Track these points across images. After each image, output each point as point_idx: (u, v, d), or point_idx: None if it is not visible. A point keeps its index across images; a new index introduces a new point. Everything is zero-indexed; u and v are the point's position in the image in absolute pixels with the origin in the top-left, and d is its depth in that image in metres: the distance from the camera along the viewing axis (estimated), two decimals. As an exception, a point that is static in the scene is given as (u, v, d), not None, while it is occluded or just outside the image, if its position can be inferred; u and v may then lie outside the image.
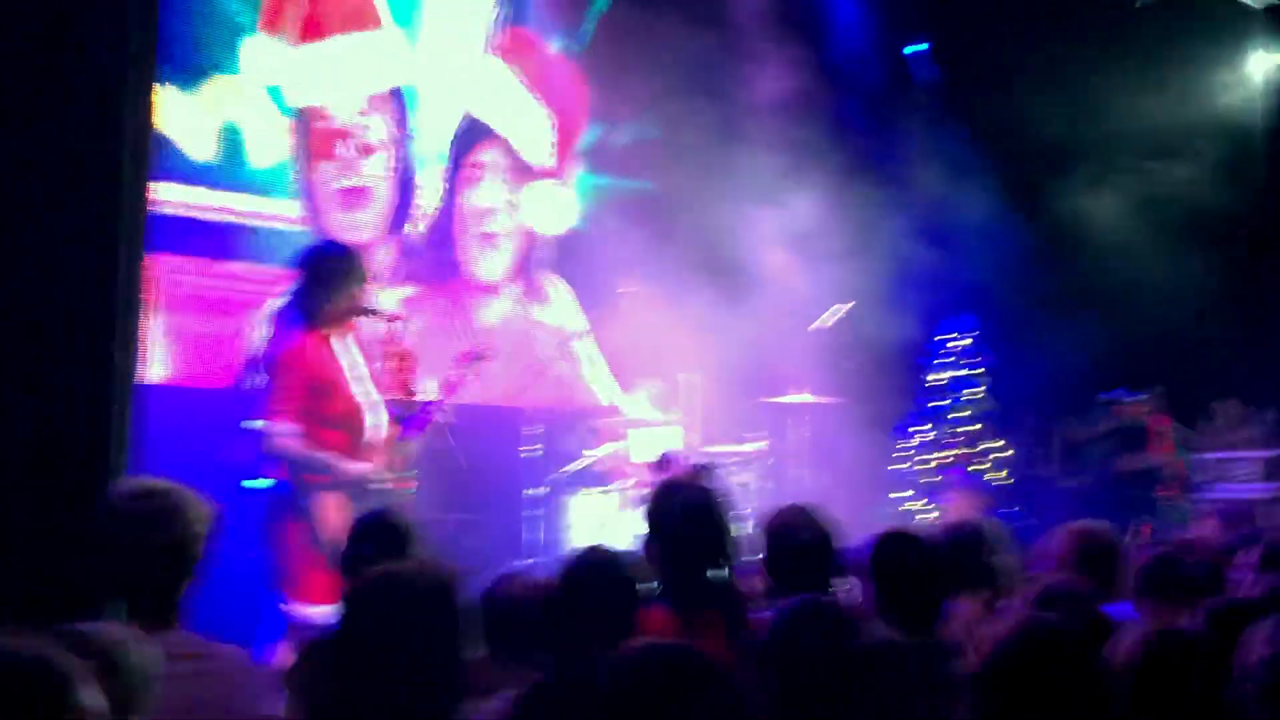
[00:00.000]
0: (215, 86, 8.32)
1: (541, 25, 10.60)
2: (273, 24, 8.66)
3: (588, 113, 10.82)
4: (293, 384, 5.66)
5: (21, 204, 4.42)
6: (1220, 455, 10.22)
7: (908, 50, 12.34)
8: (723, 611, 3.82)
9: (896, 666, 3.21)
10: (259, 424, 5.68)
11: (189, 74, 8.10)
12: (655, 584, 3.88)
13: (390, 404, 5.92)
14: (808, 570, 4.12)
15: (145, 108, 4.86)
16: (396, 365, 5.77)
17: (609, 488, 9.36)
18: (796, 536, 4.18)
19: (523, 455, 9.03)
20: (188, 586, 3.48)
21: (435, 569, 2.81)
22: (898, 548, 4.13)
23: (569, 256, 10.70)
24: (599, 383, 10.71)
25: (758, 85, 10.72)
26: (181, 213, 7.98)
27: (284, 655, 5.39)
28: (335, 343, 5.89)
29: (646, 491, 4.26)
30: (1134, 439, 11.12)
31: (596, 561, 3.56)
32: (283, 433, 5.63)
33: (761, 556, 4.29)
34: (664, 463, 8.79)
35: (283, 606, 5.64)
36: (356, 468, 5.75)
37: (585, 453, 9.26)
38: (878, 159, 11.38)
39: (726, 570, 3.92)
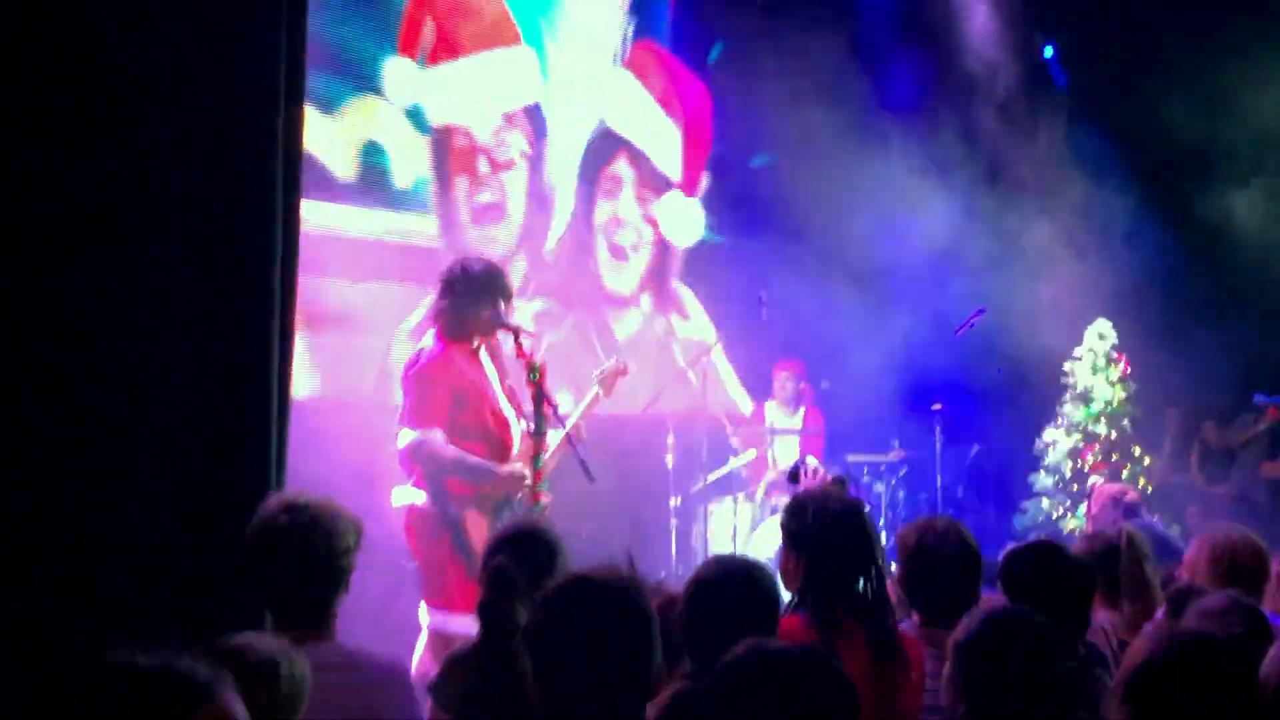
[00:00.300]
0: (356, 107, 8.49)
1: (671, 38, 10.67)
2: (410, 45, 8.82)
3: (714, 126, 10.85)
4: (438, 394, 5.77)
5: (182, 226, 4.56)
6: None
7: (1047, 53, 12.18)
8: (864, 622, 3.80)
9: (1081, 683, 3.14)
10: (409, 434, 5.78)
11: (331, 96, 8.28)
12: (793, 595, 3.90)
13: (524, 417, 6.00)
14: (947, 585, 4.09)
15: (296, 130, 4.99)
16: (530, 379, 5.83)
17: (749, 496, 9.39)
18: (939, 552, 4.11)
19: (664, 464, 9.07)
20: (339, 598, 3.59)
21: (622, 573, 2.80)
22: (1036, 559, 4.09)
23: (703, 267, 10.74)
24: (736, 391, 10.75)
25: (891, 93, 10.67)
26: (323, 231, 8.15)
27: (428, 664, 5.52)
28: (478, 356, 6.00)
29: (784, 501, 4.25)
30: (1282, 444, 10.84)
31: (731, 572, 3.55)
32: (435, 439, 5.74)
33: (897, 569, 4.27)
34: (796, 473, 8.79)
35: (429, 616, 5.76)
36: (509, 469, 5.85)
37: (729, 460, 9.29)
38: (1017, 164, 11.25)
39: (873, 580, 3.89)
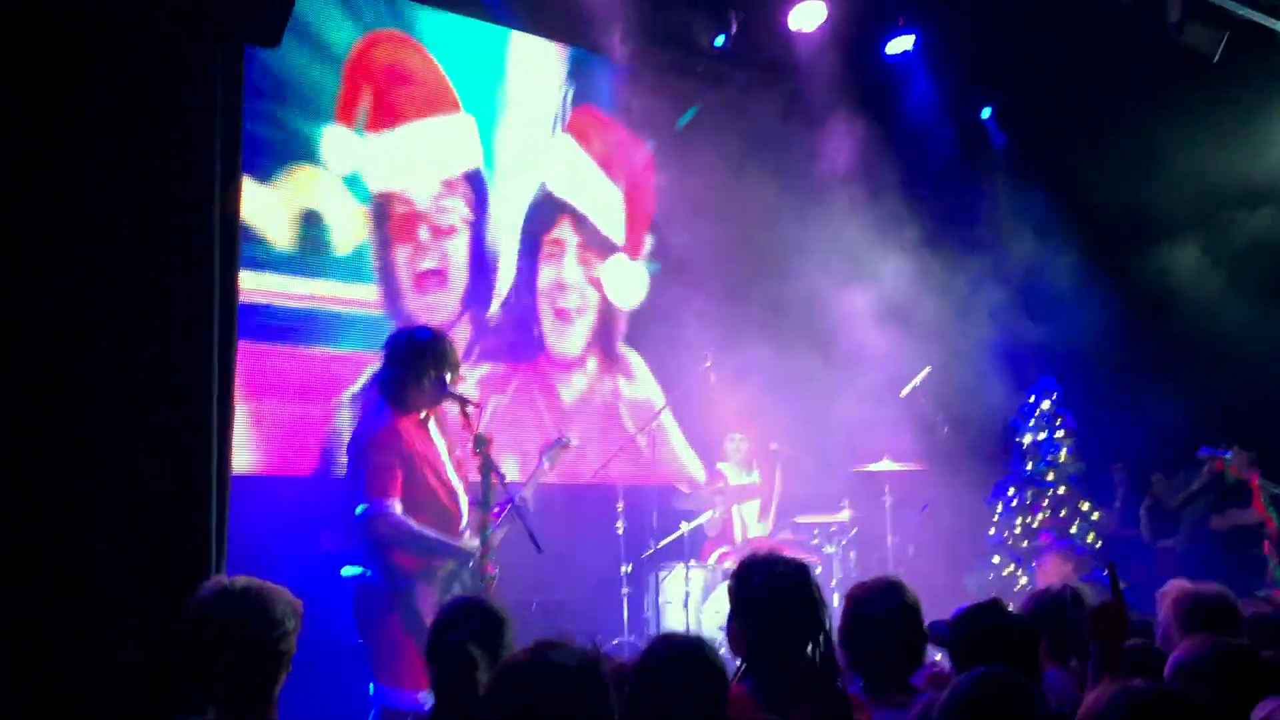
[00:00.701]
0: (295, 176, 8.46)
1: (612, 103, 10.71)
2: (348, 113, 8.81)
3: (655, 189, 10.89)
4: (389, 464, 5.68)
5: (119, 298, 4.52)
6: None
7: (985, 114, 12.32)
8: (812, 689, 3.74)
9: None
10: (367, 507, 5.66)
11: (269, 166, 8.24)
12: (741, 663, 3.84)
13: (471, 489, 5.93)
14: (886, 647, 4.05)
15: (233, 200, 4.96)
16: (477, 450, 5.76)
17: (702, 562, 9.33)
18: (876, 614, 4.08)
19: (614, 531, 9.00)
20: (280, 680, 3.51)
21: (585, 650, 2.77)
22: (980, 621, 4.07)
23: (647, 331, 10.74)
24: (686, 454, 10.72)
25: (833, 155, 10.74)
26: (264, 301, 8.09)
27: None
28: (426, 426, 5.94)
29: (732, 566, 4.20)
30: (1230, 496, 10.90)
31: (676, 648, 3.48)
32: (395, 511, 5.64)
33: (839, 630, 4.22)
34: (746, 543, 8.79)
35: (378, 692, 5.65)
36: (467, 544, 5.77)
37: (681, 525, 9.23)
38: (957, 226, 11.34)
39: (821, 646, 3.83)
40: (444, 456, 5.95)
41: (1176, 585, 5.01)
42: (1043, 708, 2.95)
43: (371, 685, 5.70)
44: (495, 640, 3.76)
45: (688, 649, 3.43)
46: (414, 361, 5.84)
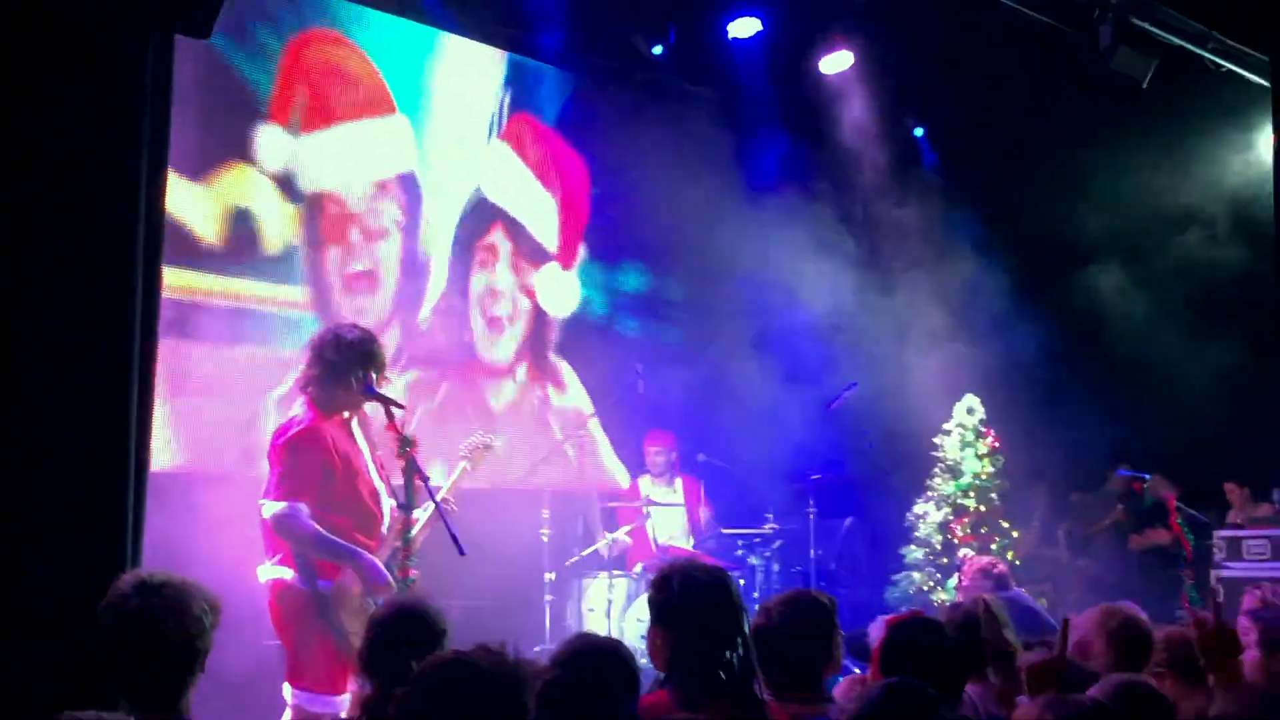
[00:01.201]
0: (226, 174, 8.38)
1: (549, 112, 10.72)
2: (282, 111, 8.74)
3: (590, 198, 10.90)
4: (308, 465, 5.61)
5: (37, 291, 4.46)
6: (1230, 533, 10.14)
7: (918, 133, 12.44)
8: (731, 696, 3.75)
9: None
10: (273, 506, 5.60)
11: (200, 162, 8.15)
12: (659, 671, 3.84)
13: (394, 491, 5.88)
14: (794, 656, 4.05)
15: (158, 196, 4.91)
16: (402, 452, 5.72)
17: (626, 571, 9.33)
18: (790, 618, 4.10)
19: (538, 538, 8.98)
20: (195, 679, 3.47)
21: (503, 656, 2.69)
22: (916, 635, 4.09)
23: (580, 340, 10.74)
24: (613, 464, 10.72)
25: (766, 171, 10.81)
26: (189, 298, 8.01)
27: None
28: (349, 427, 5.88)
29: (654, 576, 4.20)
30: (1148, 517, 11.06)
31: (591, 648, 3.49)
32: (300, 514, 5.58)
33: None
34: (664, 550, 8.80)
35: (293, 695, 5.59)
36: (370, 559, 5.70)
37: (604, 536, 9.23)
38: (889, 243, 11.45)
39: (740, 652, 3.84)
40: (366, 457, 5.90)
41: (1104, 606, 5.07)
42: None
43: (286, 687, 5.63)
44: (435, 649, 3.71)
45: (602, 647, 3.45)
46: (340, 362, 5.77)
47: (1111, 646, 4.68)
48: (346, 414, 5.88)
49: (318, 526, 5.58)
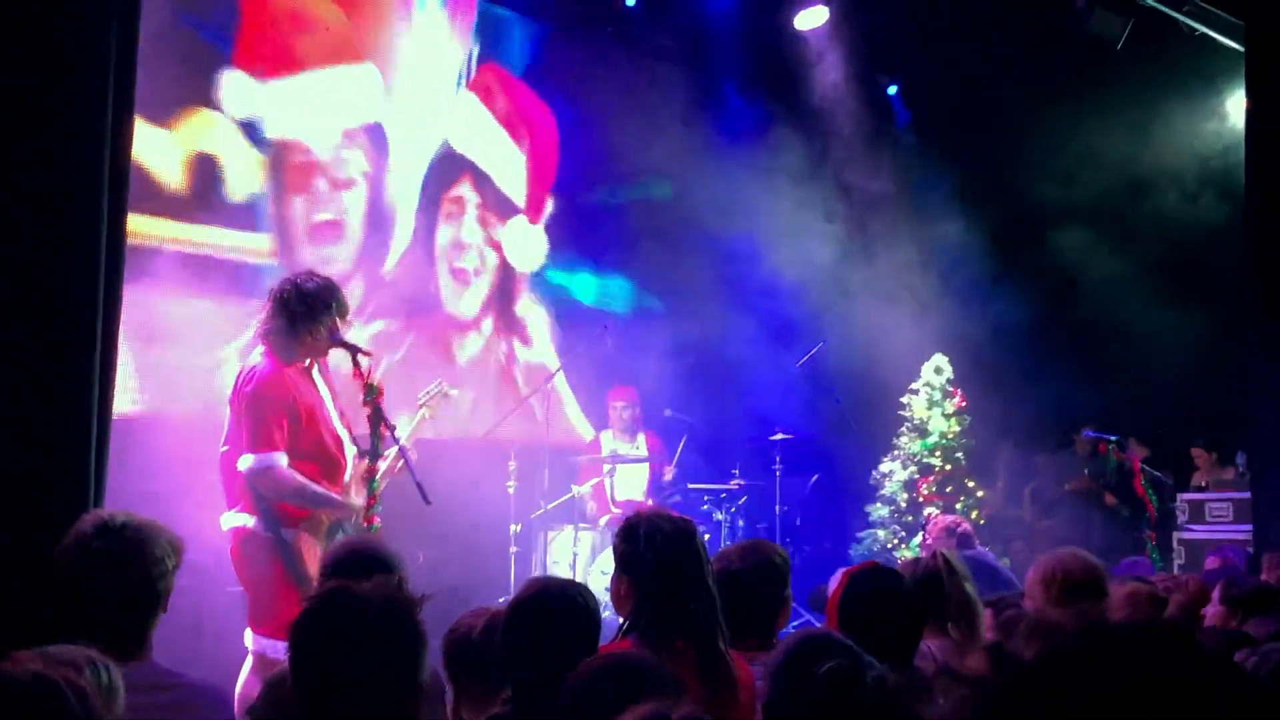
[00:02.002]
0: (190, 119, 8.28)
1: (518, 63, 10.63)
2: (248, 58, 8.63)
3: (559, 152, 10.83)
4: (276, 415, 5.56)
5: (2, 235, 4.39)
6: (1193, 496, 10.22)
7: (891, 91, 12.41)
8: (695, 644, 3.76)
9: (897, 704, 3.11)
10: (251, 459, 5.55)
11: (164, 106, 8.05)
12: (624, 620, 3.84)
13: (358, 439, 5.84)
14: (746, 604, 4.08)
15: (124, 140, 4.83)
16: (367, 399, 5.68)
17: (590, 524, 9.33)
18: (743, 566, 4.13)
19: (504, 490, 8.96)
20: (156, 619, 3.44)
21: (389, 583, 2.71)
22: (873, 584, 4.10)
23: (547, 293, 10.71)
24: (578, 419, 10.71)
25: (737, 125, 10.77)
26: (154, 244, 7.92)
27: (253, 690, 5.33)
28: (310, 374, 5.83)
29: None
30: (1113, 479, 11.14)
31: (549, 592, 3.49)
32: (280, 465, 5.53)
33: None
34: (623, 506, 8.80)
35: (255, 641, 5.57)
36: (350, 501, 5.68)
37: (571, 489, 9.21)
38: (860, 200, 11.44)
39: (704, 602, 3.85)
40: (329, 405, 5.85)
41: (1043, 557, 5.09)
42: (870, 670, 2.97)
43: (248, 633, 5.60)
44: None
45: (560, 589, 3.46)
46: (301, 310, 5.71)
47: (1049, 593, 4.70)
48: (311, 359, 5.83)
49: (298, 476, 5.55)
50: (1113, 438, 10.94)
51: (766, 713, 2.94)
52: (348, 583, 2.72)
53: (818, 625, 3.56)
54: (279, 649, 5.41)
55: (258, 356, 5.75)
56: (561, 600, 3.42)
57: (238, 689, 5.44)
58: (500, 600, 8.30)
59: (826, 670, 2.88)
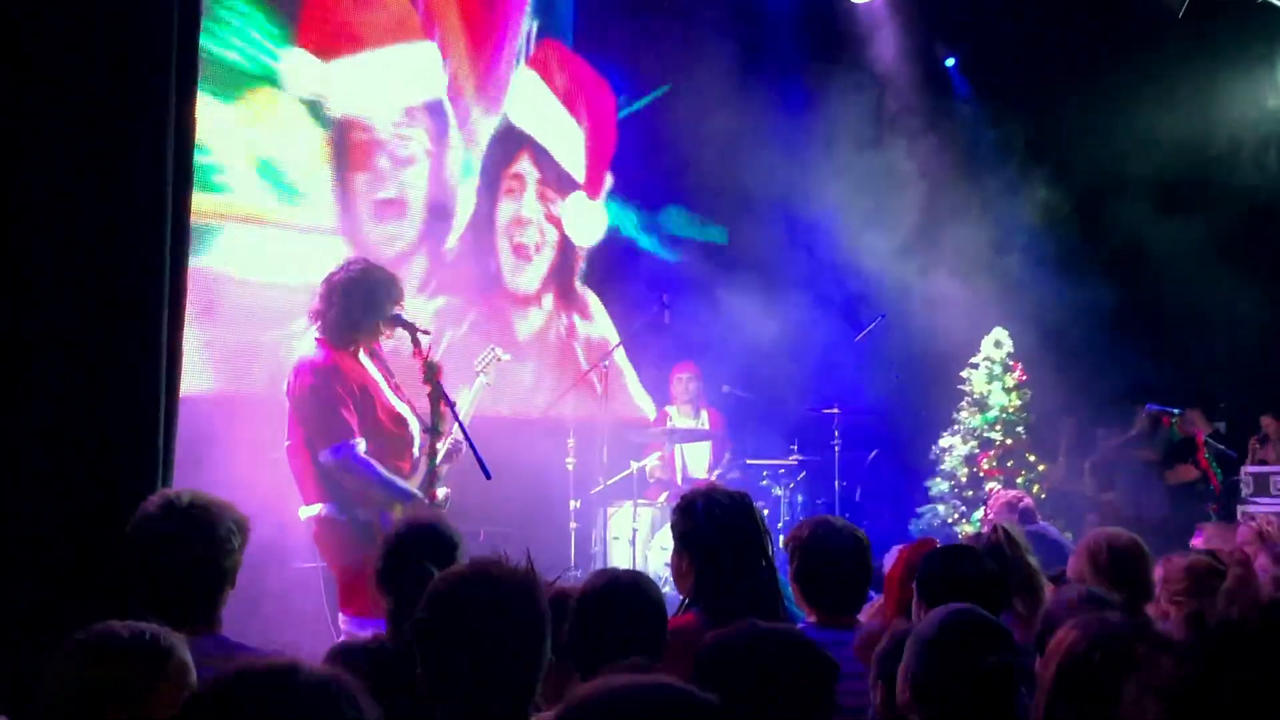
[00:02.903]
0: (254, 98, 8.35)
1: (575, 39, 10.64)
2: (310, 36, 8.69)
3: (616, 127, 10.84)
4: (338, 401, 5.60)
5: (69, 216, 4.46)
6: (1257, 469, 10.12)
7: (949, 63, 12.32)
8: (755, 617, 3.78)
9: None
10: (329, 453, 5.57)
11: (228, 87, 8.13)
12: (684, 596, 3.87)
13: (420, 415, 5.90)
14: (842, 581, 4.09)
15: (188, 120, 4.89)
16: (427, 378, 5.73)
17: (652, 500, 9.36)
18: (834, 547, 4.11)
19: (564, 467, 9.01)
20: (224, 595, 3.51)
21: (519, 569, 2.73)
22: (949, 562, 4.09)
23: (606, 269, 10.73)
24: (638, 394, 10.74)
25: (796, 97, 10.73)
26: (218, 223, 8.01)
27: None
28: (364, 356, 5.88)
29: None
30: (1177, 453, 11.05)
31: (617, 585, 3.48)
32: (357, 453, 5.58)
33: (790, 564, 4.26)
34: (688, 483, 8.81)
35: (345, 623, 5.63)
36: (423, 497, 5.73)
37: (630, 464, 9.25)
38: (918, 175, 11.36)
39: (765, 574, 3.87)
40: (382, 384, 5.90)
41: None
42: (1011, 648, 2.96)
43: (341, 616, 5.68)
44: (449, 563, 3.74)
45: (627, 583, 3.45)
46: (356, 297, 5.75)
47: (1095, 572, 4.68)
48: (365, 343, 5.88)
49: (380, 467, 5.61)
50: (1176, 411, 10.83)
51: (914, 687, 2.92)
52: (485, 562, 2.75)
53: (965, 608, 3.53)
54: (367, 626, 5.48)
55: (309, 343, 5.80)
56: (629, 593, 3.40)
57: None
58: (561, 575, 8.41)
59: (992, 664, 2.87)
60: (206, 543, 3.46)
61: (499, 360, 6.66)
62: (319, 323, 5.81)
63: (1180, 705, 1.57)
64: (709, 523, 3.86)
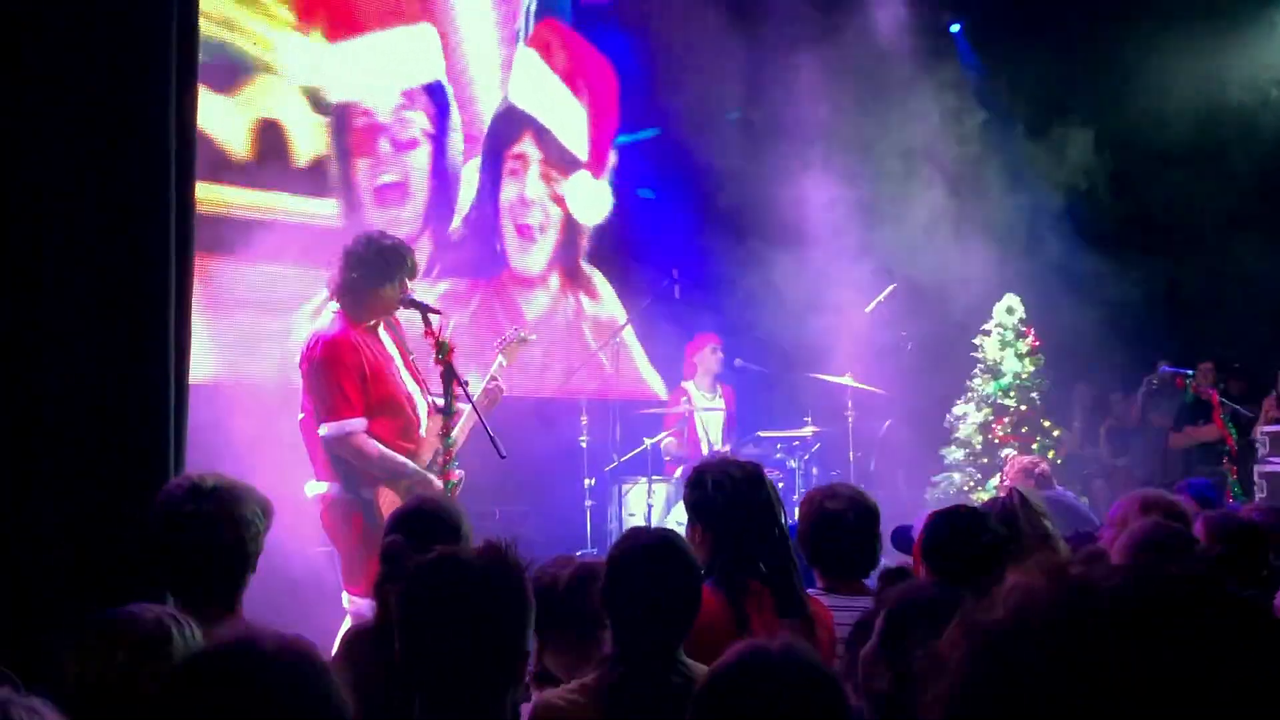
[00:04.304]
0: (253, 85, 8.33)
1: (574, 16, 10.59)
2: (308, 21, 8.66)
3: (618, 105, 10.80)
4: (348, 378, 5.59)
5: (72, 205, 4.45)
6: (1273, 429, 10.06)
7: (954, 29, 12.23)
8: (771, 586, 3.77)
9: None
10: (329, 427, 5.59)
11: (227, 73, 8.11)
12: (700, 566, 3.84)
13: (432, 396, 5.90)
14: (847, 545, 4.14)
15: (189, 109, 4.87)
16: (439, 358, 5.72)
17: (667, 476, 9.34)
18: (838, 513, 4.16)
19: (577, 444, 9.00)
20: (246, 579, 3.50)
21: (500, 550, 2.69)
22: (953, 525, 4.07)
23: (612, 247, 10.70)
24: (648, 372, 10.71)
25: (799, 67, 10.65)
26: (222, 212, 7.99)
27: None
28: (375, 332, 5.87)
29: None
30: (1192, 413, 10.99)
31: (649, 542, 3.37)
32: (358, 433, 5.59)
33: (800, 531, 4.27)
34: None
35: (349, 601, 5.64)
36: (427, 477, 5.72)
37: (644, 440, 9.23)
38: (928, 141, 11.29)
39: (778, 543, 3.86)
40: (398, 362, 5.89)
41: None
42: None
43: (344, 595, 5.69)
44: (451, 544, 3.71)
45: (659, 540, 3.38)
46: (375, 267, 5.75)
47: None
48: (379, 318, 5.87)
49: (377, 443, 5.60)
50: (1189, 372, 10.77)
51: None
52: (454, 549, 2.74)
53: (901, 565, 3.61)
54: (370, 607, 5.48)
55: (327, 317, 5.81)
56: (662, 550, 3.29)
57: (335, 649, 5.53)
58: (578, 554, 8.40)
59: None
60: (232, 525, 3.44)
61: (523, 341, 6.62)
62: (336, 295, 5.79)
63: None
64: (719, 493, 3.85)
